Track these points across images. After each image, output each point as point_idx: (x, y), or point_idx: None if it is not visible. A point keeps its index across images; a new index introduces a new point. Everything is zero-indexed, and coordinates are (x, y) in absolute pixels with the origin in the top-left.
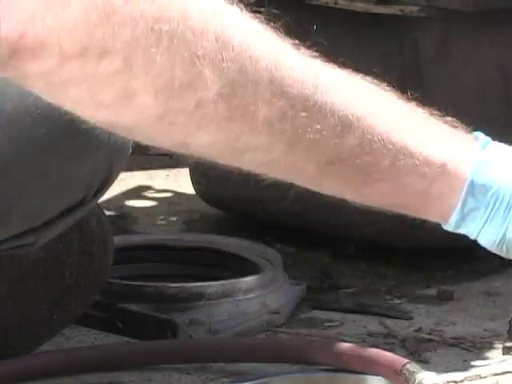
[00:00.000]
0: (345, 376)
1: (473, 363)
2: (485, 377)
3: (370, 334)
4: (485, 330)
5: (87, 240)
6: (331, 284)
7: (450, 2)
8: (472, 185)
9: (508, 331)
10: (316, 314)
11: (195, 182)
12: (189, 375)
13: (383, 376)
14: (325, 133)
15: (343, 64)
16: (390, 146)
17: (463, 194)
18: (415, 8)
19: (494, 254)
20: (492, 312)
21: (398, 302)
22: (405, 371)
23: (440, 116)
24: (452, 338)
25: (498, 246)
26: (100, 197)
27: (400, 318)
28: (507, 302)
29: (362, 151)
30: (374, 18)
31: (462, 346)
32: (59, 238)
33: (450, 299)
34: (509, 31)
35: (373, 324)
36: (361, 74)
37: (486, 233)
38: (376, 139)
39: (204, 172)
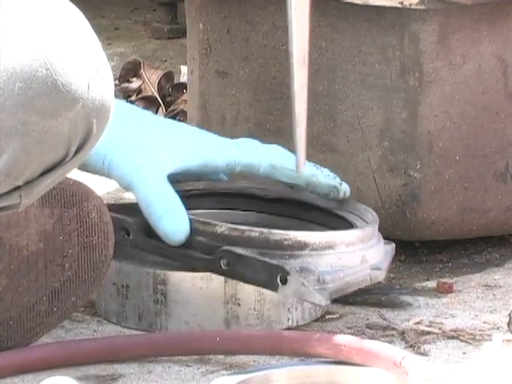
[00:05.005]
0: (344, 368)
1: (472, 356)
2: (484, 369)
3: (370, 327)
4: (484, 322)
5: (87, 232)
6: None
7: None
8: None
9: (508, 324)
10: None
11: None
12: (188, 367)
13: (383, 368)
14: None
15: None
16: None
17: None
18: (415, 0)
19: (494, 247)
20: (491, 304)
21: (398, 294)
22: (404, 364)
23: None
24: (451, 331)
25: None
26: (82, 156)
27: (400, 306)
28: (507, 294)
29: None
30: (374, 11)
31: (461, 338)
32: (59, 230)
33: (450, 292)
34: (508, 23)
35: (372, 316)
36: None
37: None
38: None
39: None
